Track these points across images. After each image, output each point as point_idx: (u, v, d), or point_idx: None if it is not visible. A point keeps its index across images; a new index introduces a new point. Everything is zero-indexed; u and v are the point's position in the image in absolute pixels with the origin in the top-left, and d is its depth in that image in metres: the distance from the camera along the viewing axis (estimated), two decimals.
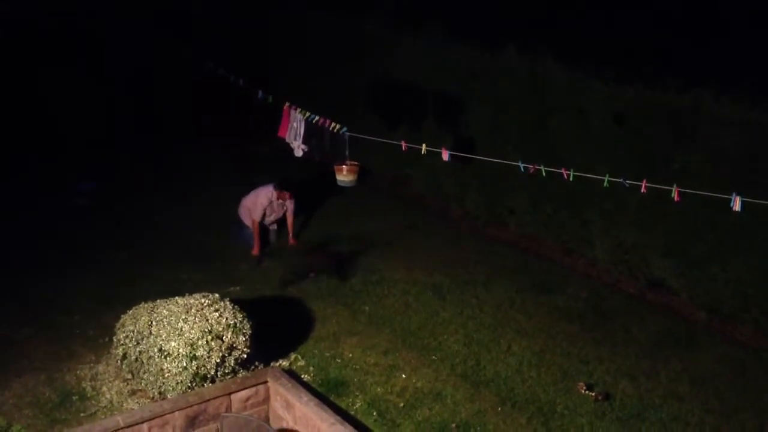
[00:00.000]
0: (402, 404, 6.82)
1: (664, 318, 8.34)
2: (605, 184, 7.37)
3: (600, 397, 6.91)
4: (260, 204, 9.39)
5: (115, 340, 6.77)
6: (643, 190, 7.10)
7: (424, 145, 8.12)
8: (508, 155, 8.81)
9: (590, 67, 9.21)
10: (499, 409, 6.80)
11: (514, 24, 11.09)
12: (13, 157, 11.27)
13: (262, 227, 9.56)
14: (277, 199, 9.44)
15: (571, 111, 9.29)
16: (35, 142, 11.61)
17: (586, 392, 6.99)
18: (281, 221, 9.77)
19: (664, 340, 7.90)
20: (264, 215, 9.46)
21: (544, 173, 7.65)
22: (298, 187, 9.60)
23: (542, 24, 11.10)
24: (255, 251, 9.40)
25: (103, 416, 6.36)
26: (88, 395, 6.68)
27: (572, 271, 9.34)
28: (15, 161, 11.26)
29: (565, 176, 7.55)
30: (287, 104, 9.13)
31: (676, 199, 6.97)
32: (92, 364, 7.08)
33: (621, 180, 7.21)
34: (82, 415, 6.44)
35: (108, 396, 6.65)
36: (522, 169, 7.75)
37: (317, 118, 8.67)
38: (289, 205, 9.60)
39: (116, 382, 6.80)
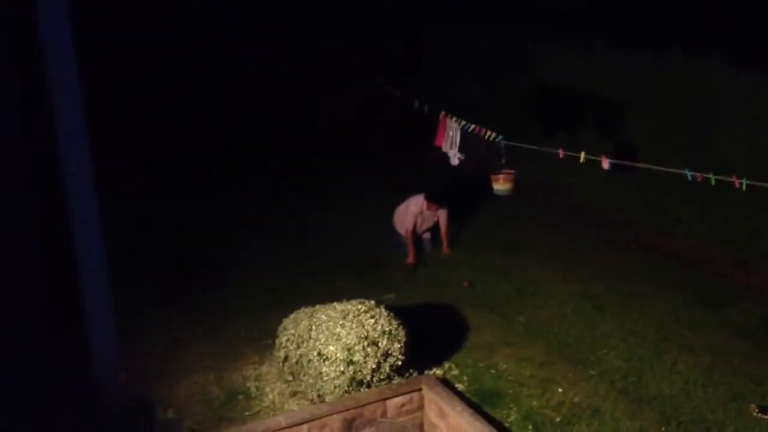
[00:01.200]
0: (558, 419, 6.65)
1: None
2: None
3: None
4: (411, 213, 9.50)
5: (277, 342, 7.04)
6: None
7: (582, 153, 7.93)
8: (673, 163, 8.42)
9: (761, 67, 8.66)
10: (663, 428, 6.47)
11: (679, 24, 10.62)
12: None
13: (416, 236, 9.64)
14: (427, 209, 9.53)
15: (742, 116, 8.76)
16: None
17: (759, 415, 6.53)
18: (435, 230, 9.82)
19: None
20: (415, 225, 9.56)
21: (713, 181, 7.25)
22: (448, 198, 9.63)
23: (709, 23, 10.55)
24: (410, 260, 9.49)
25: (265, 416, 6.61)
26: (253, 395, 6.99)
27: (744, 286, 8.78)
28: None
29: (737, 185, 7.12)
30: (443, 113, 9.19)
31: None
32: (256, 365, 7.40)
33: None
34: (246, 413, 6.73)
35: (270, 396, 6.92)
36: (689, 178, 7.39)
37: (473, 126, 8.66)
38: (441, 214, 9.63)
39: (278, 383, 7.07)
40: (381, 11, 13.96)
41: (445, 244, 9.79)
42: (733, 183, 7.16)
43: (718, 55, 9.12)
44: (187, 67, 14.68)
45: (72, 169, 5.13)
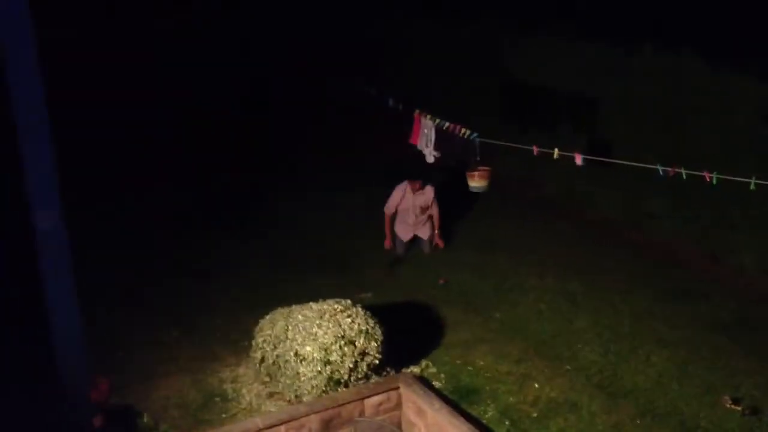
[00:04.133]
0: (535, 414, 6.70)
1: None
2: (752, 186, 6.97)
3: (747, 412, 6.53)
4: (392, 198, 9.41)
5: (254, 343, 7.02)
6: None
7: (556, 150, 7.97)
8: (645, 157, 8.50)
9: (735, 63, 8.74)
10: (638, 421, 6.55)
11: (651, 19, 10.69)
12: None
13: (406, 232, 9.54)
14: (412, 192, 9.33)
15: (712, 109, 8.85)
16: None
17: (733, 406, 6.62)
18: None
19: None
20: (396, 210, 9.43)
21: (684, 176, 7.32)
22: (436, 184, 9.47)
23: (680, 18, 10.64)
24: (386, 243, 9.44)
25: (242, 418, 6.60)
26: (230, 397, 6.96)
27: (717, 280, 8.88)
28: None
29: (708, 179, 7.20)
30: (417, 111, 9.20)
31: None
32: (233, 367, 7.37)
33: None
34: (223, 416, 6.71)
35: (248, 398, 6.90)
36: (661, 173, 7.45)
37: (447, 124, 8.69)
38: (429, 192, 9.42)
39: (255, 384, 7.05)
40: (356, 9, 13.94)
41: (436, 234, 9.61)
42: (704, 177, 7.23)
43: (690, 50, 9.20)
44: (165, 60, 14.46)
45: (35, 167, 4.98)
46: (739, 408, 6.58)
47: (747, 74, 8.57)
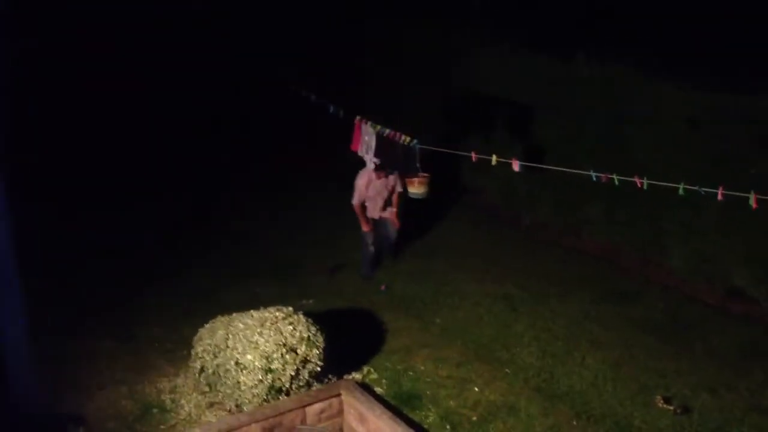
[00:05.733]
0: (475, 418, 6.79)
1: (745, 328, 8.09)
2: (680, 192, 7.18)
3: (679, 411, 6.75)
4: (358, 186, 9.11)
5: (193, 353, 6.94)
6: (719, 197, 6.89)
7: (494, 156, 8.07)
8: (581, 164, 8.68)
9: (663, 71, 9.02)
10: (575, 422, 6.70)
11: (587, 30, 10.95)
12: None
13: (371, 216, 9.29)
14: (377, 178, 9.11)
15: (644, 118, 9.11)
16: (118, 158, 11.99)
17: (665, 406, 6.83)
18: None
19: (746, 351, 7.66)
20: (364, 199, 9.17)
21: (617, 182, 7.50)
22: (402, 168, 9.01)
23: (615, 30, 10.93)
24: (364, 227, 9.21)
25: (182, 429, 6.53)
26: (168, 408, 6.86)
27: (649, 282, 9.14)
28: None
29: (639, 185, 7.39)
30: (358, 118, 9.21)
31: (754, 206, 6.74)
32: (171, 377, 7.27)
33: (697, 188, 7.01)
34: (162, 427, 6.62)
35: (187, 408, 6.82)
36: (594, 178, 7.63)
37: (388, 131, 8.72)
38: (399, 186, 9.20)
39: (194, 394, 6.97)
40: (304, 14, 13.86)
41: (394, 212, 9.37)
42: (635, 183, 7.42)
43: (624, 61, 9.44)
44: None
45: None
46: (671, 407, 6.79)
47: (678, 82, 8.83)
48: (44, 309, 7.98)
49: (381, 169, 9.06)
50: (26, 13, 11.77)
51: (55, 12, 12.59)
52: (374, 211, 9.35)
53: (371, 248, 9.34)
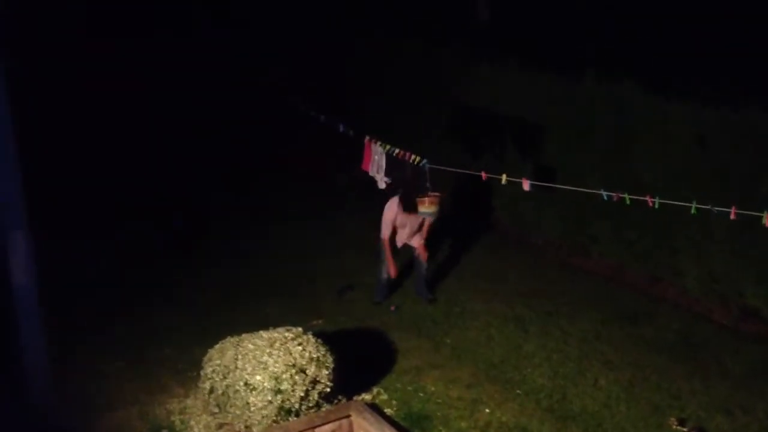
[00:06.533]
0: None
1: (760, 349, 8.01)
2: (693, 211, 7.15)
3: None
4: (387, 219, 8.68)
5: (202, 374, 6.91)
6: (732, 216, 6.85)
7: (504, 176, 8.07)
8: (590, 183, 8.67)
9: (672, 90, 9.02)
10: None
11: (594, 48, 10.98)
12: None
13: (395, 245, 8.96)
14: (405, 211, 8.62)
15: (653, 136, 9.10)
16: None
17: (679, 428, 6.76)
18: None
19: (760, 371, 7.58)
20: (395, 230, 8.77)
21: (628, 201, 7.48)
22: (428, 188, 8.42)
23: (622, 47, 10.95)
24: (392, 273, 8.91)
25: None
26: (178, 429, 6.84)
27: (660, 302, 9.08)
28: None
29: (650, 203, 7.37)
30: (368, 138, 9.22)
31: (767, 225, 6.69)
32: (181, 398, 7.25)
33: (709, 207, 6.98)
34: None
35: (196, 430, 6.79)
36: (605, 197, 7.61)
37: (397, 150, 8.73)
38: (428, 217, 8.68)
39: (204, 415, 6.94)
40: (301, 33, 13.96)
41: (422, 242, 9.02)
42: (646, 202, 7.40)
43: (631, 79, 9.44)
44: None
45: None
46: (686, 429, 6.72)
47: (686, 100, 8.82)
48: (54, 328, 8.01)
49: (392, 191, 8.78)
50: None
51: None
52: (401, 239, 9.01)
53: (386, 275, 9.04)
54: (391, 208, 8.74)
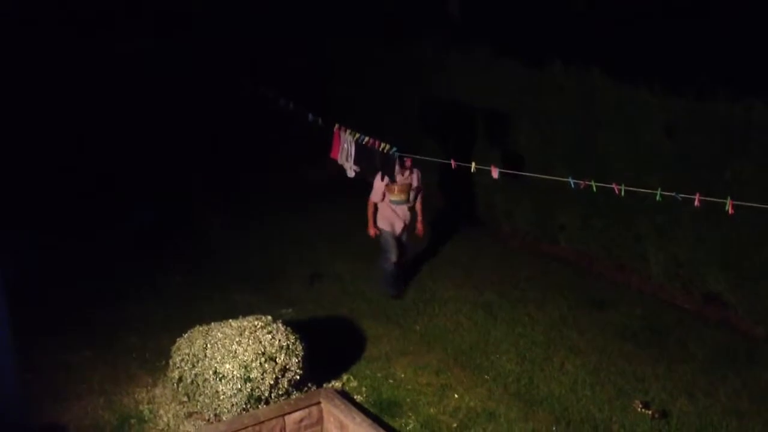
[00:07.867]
0: (455, 424, 6.80)
1: (722, 333, 8.17)
2: (658, 198, 7.25)
3: (657, 416, 6.80)
4: (377, 188, 8.71)
5: (171, 363, 6.89)
6: (696, 203, 6.96)
7: (473, 163, 8.11)
8: (558, 171, 8.74)
9: (638, 79, 9.11)
10: (554, 428, 6.72)
11: (561, 38, 11.06)
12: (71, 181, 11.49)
13: (396, 221, 8.84)
14: (401, 173, 8.54)
15: (620, 124, 9.19)
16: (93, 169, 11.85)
17: (643, 410, 6.87)
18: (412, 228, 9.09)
19: (722, 356, 7.74)
20: (384, 196, 8.69)
21: (595, 188, 7.56)
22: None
23: (589, 37, 11.05)
24: (371, 232, 8.87)
25: None
26: (146, 418, 6.81)
27: (626, 288, 9.21)
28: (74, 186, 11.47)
29: (617, 191, 7.45)
30: (337, 126, 9.21)
31: (730, 212, 6.81)
32: (149, 387, 7.22)
33: (674, 194, 7.08)
34: None
35: (165, 419, 6.77)
36: (572, 185, 7.68)
37: (366, 138, 8.73)
38: (416, 181, 8.73)
39: (173, 404, 6.92)
40: (279, 25, 13.86)
41: (419, 220, 9.03)
42: (613, 189, 7.47)
43: (598, 68, 9.51)
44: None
45: None
46: (650, 412, 6.83)
47: (652, 89, 8.93)
48: (20, 319, 7.92)
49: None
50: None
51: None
52: (392, 215, 8.86)
53: (393, 259, 8.88)
54: (378, 180, 8.67)
